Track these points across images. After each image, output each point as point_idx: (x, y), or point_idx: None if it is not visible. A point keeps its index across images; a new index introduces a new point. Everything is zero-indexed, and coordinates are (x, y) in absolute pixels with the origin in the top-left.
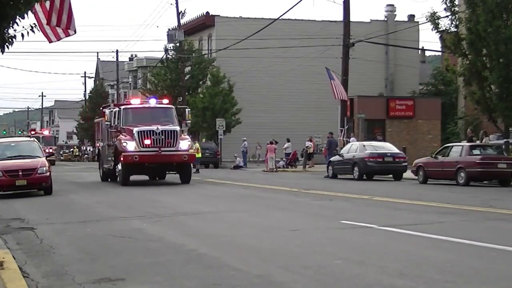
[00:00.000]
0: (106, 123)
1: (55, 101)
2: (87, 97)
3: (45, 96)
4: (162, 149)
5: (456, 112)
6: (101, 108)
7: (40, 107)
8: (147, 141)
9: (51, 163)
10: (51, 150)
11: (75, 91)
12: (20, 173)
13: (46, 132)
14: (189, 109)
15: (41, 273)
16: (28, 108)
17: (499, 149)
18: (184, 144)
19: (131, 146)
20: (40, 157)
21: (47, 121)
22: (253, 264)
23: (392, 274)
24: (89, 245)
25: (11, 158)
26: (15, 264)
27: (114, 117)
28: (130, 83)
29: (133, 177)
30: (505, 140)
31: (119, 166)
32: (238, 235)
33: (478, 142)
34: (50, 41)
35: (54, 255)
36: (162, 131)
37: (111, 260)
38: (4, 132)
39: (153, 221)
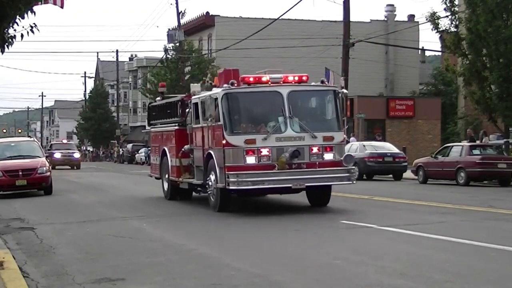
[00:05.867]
0: None
1: (55, 101)
2: (87, 97)
3: (45, 96)
4: None
5: (456, 112)
6: None
7: (40, 107)
8: None
9: None
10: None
11: (75, 91)
12: (20, 173)
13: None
14: None
15: (41, 273)
16: (28, 108)
17: (499, 149)
18: None
19: None
20: (40, 157)
21: (47, 121)
22: (253, 264)
23: (392, 274)
24: (89, 245)
25: (11, 158)
26: (15, 264)
27: None
28: (130, 83)
29: None
30: (505, 140)
31: None
32: (238, 235)
33: (478, 142)
34: (63, 6)
35: (54, 255)
36: None
37: (111, 260)
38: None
39: (153, 221)
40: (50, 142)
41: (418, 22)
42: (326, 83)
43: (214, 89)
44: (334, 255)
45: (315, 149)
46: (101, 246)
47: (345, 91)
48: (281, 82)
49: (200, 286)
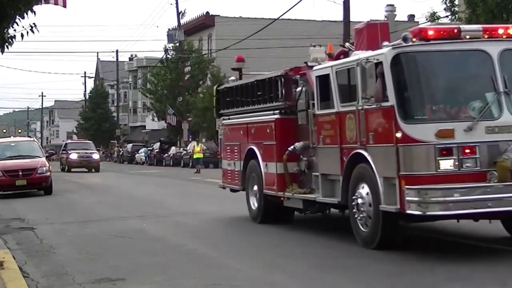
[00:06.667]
0: None
1: (55, 101)
2: (87, 97)
3: (45, 96)
4: None
5: None
6: None
7: (40, 107)
8: None
9: None
10: None
11: (75, 91)
12: (20, 173)
13: None
14: None
15: (41, 273)
16: (28, 108)
17: None
18: None
19: None
20: (40, 157)
21: (47, 121)
22: (253, 264)
23: (391, 274)
24: (89, 245)
25: (11, 158)
26: (15, 264)
27: None
28: (130, 83)
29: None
30: None
31: None
32: (236, 235)
33: None
34: (65, 6)
35: (54, 255)
36: None
37: (111, 260)
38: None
39: (153, 221)
40: (50, 142)
41: (418, 22)
42: None
43: (354, 52)
44: (333, 255)
45: None
46: (101, 246)
47: None
48: (484, 37)
49: (200, 286)
